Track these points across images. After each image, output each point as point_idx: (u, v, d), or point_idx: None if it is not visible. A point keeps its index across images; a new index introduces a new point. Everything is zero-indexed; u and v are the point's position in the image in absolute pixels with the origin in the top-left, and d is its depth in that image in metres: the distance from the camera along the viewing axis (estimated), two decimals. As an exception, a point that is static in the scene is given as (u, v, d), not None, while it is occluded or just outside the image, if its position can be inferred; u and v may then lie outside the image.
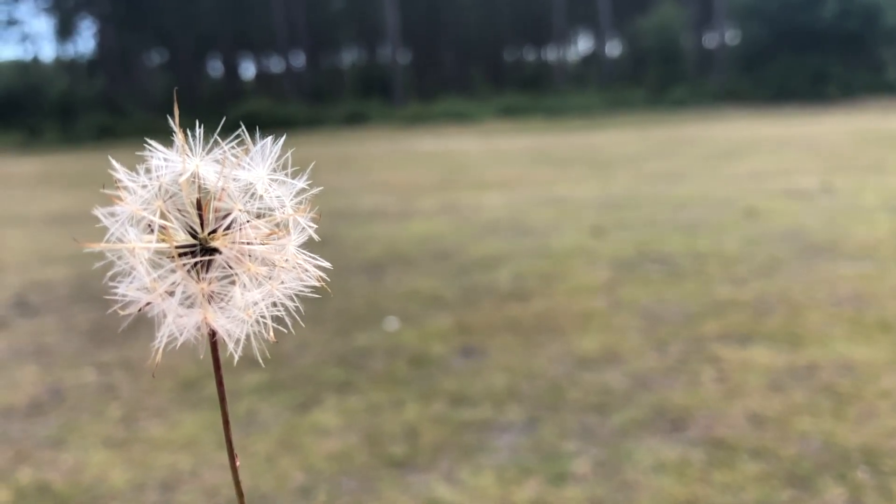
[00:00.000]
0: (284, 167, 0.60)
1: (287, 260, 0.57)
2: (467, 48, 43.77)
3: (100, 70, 42.77)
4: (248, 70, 48.18)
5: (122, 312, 0.56)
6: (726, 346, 3.87)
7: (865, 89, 30.27)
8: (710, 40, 40.35)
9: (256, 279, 0.57)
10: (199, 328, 0.56)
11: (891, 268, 5.25)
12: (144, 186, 0.57)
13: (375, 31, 41.99)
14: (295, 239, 0.57)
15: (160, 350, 0.56)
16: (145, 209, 0.55)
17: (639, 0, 39.36)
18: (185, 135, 0.57)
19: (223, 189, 0.56)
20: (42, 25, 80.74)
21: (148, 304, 0.56)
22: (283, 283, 0.58)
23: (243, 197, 0.57)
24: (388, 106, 35.66)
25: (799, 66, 31.20)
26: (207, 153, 0.57)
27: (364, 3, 41.82)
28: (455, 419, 3.20)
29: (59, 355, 4.35)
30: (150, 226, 0.55)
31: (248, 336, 0.58)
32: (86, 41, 60.10)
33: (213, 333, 0.57)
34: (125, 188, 0.56)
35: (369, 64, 44.45)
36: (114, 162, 0.56)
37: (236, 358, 0.57)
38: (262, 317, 0.58)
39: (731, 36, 38.19)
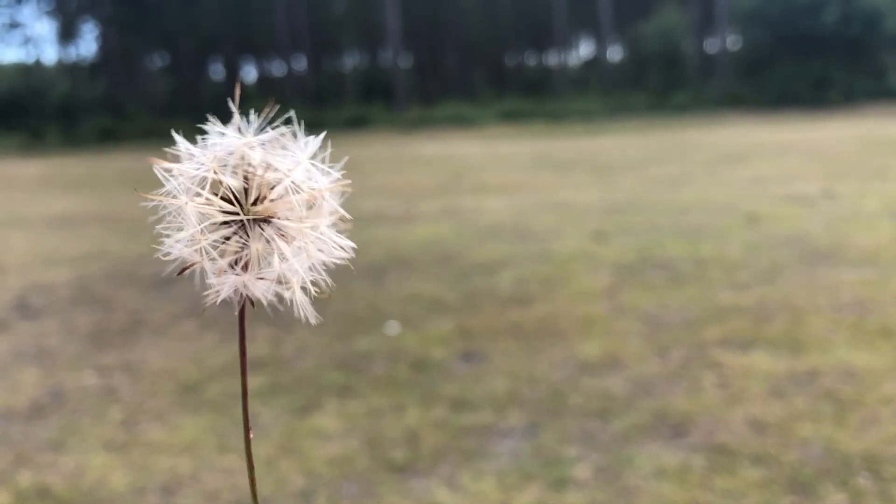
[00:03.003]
0: (323, 162, 0.65)
1: (322, 233, 0.62)
2: (469, 52, 43.80)
3: (102, 73, 42.83)
4: (250, 73, 48.24)
5: (164, 258, 0.60)
6: (728, 352, 3.86)
7: (867, 95, 30.25)
8: (712, 45, 40.36)
9: (291, 248, 0.61)
10: (236, 290, 0.60)
11: (892, 274, 5.24)
12: (197, 156, 0.61)
13: (377, 35, 42.03)
14: (328, 215, 0.63)
15: (216, 299, 0.60)
16: (198, 169, 0.59)
17: (640, 5, 39.41)
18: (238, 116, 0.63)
19: (269, 165, 0.61)
20: (44, 28, 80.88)
21: (193, 264, 0.60)
22: (320, 250, 0.63)
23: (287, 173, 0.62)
24: (389, 110, 35.68)
25: (801, 71, 31.19)
26: (257, 134, 0.62)
27: (366, 6, 41.87)
28: (456, 424, 3.19)
29: (60, 358, 4.35)
30: (200, 190, 0.59)
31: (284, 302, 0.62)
32: (88, 44, 60.28)
33: (242, 301, 0.61)
34: (182, 155, 0.61)
35: (371, 68, 44.49)
36: (175, 134, 0.61)
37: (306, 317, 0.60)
38: (301, 284, 0.62)
39: (732, 41, 38.19)
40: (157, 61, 45.64)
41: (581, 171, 13.22)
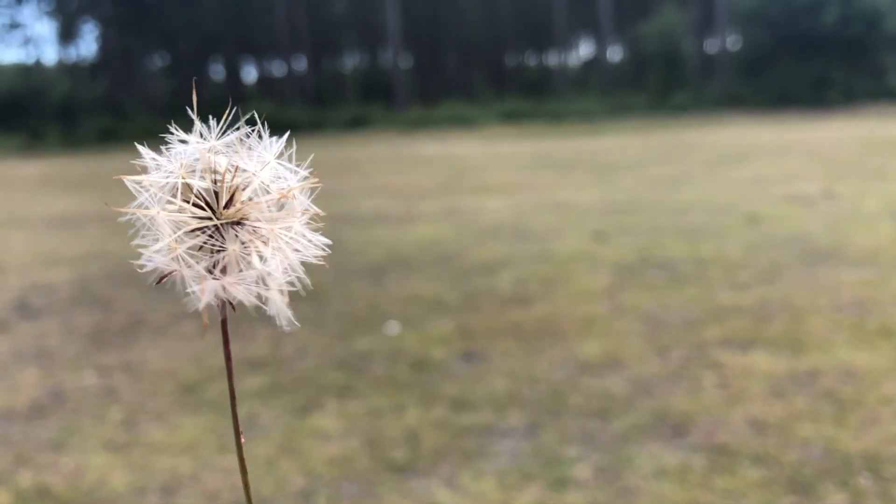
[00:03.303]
0: (289, 160, 0.65)
1: (296, 232, 0.62)
2: (469, 52, 43.80)
3: (102, 73, 42.84)
4: (250, 74, 48.24)
5: (140, 270, 0.61)
6: (728, 352, 3.86)
7: (867, 95, 30.25)
8: (712, 46, 40.36)
9: (266, 249, 0.62)
10: (216, 294, 0.60)
11: (893, 274, 5.24)
12: (164, 165, 0.62)
13: (377, 35, 42.03)
14: (300, 214, 0.62)
15: (203, 310, 0.61)
16: (167, 178, 0.60)
17: (640, 5, 39.41)
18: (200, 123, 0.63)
19: (236, 167, 0.61)
20: (44, 29, 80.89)
21: (171, 272, 0.60)
22: (296, 250, 0.62)
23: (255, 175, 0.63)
24: (389, 110, 35.69)
25: (800, 71, 31.18)
26: (220, 138, 0.62)
27: (366, 6, 41.87)
28: (456, 424, 3.19)
29: (60, 358, 4.35)
30: (171, 198, 0.60)
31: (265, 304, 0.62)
32: (88, 44, 60.29)
33: (222, 305, 0.61)
34: (149, 165, 0.61)
35: (371, 68, 44.50)
36: (140, 147, 0.62)
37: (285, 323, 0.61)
38: (279, 287, 0.63)
39: (732, 41, 38.19)
40: (158, 61, 45.65)
41: (581, 171, 13.22)
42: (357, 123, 32.62)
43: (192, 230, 0.60)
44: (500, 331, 4.42)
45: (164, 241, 0.60)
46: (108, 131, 32.40)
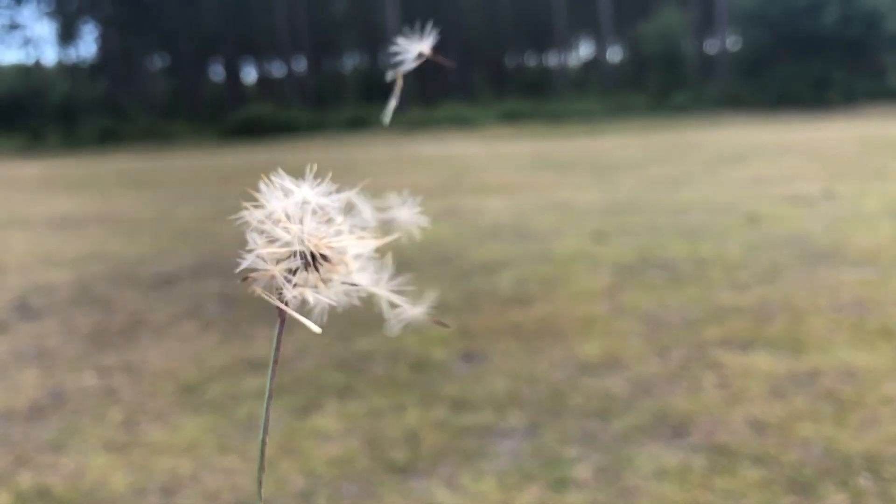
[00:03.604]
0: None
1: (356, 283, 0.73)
2: (469, 53, 43.81)
3: (102, 74, 42.85)
4: (249, 74, 48.26)
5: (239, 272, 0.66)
6: (728, 352, 3.86)
7: (867, 95, 30.28)
8: (712, 46, 40.38)
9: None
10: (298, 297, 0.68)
11: (893, 274, 5.25)
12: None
13: (377, 36, 42.05)
14: (363, 265, 0.73)
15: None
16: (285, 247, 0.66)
17: (640, 5, 39.42)
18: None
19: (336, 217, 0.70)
20: (44, 29, 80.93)
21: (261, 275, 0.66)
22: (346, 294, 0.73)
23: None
24: (389, 110, 35.63)
25: (800, 72, 31.21)
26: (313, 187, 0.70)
27: (366, 7, 41.90)
28: (456, 424, 3.19)
29: (60, 358, 4.35)
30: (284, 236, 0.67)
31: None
32: (88, 45, 60.30)
33: (281, 316, 0.67)
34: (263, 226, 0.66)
35: (371, 68, 44.53)
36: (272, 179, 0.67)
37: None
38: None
39: (732, 42, 38.22)
40: (157, 62, 45.67)
41: (581, 171, 13.23)
42: (357, 124, 32.64)
43: (286, 251, 0.66)
44: (500, 331, 4.42)
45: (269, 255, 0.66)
46: (108, 132, 32.43)
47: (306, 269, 0.67)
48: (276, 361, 0.66)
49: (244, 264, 0.64)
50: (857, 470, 2.64)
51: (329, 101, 38.86)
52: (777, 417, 3.09)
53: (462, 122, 30.97)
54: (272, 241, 0.65)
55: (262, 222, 0.64)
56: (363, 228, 0.73)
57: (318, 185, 0.70)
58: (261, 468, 0.65)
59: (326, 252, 0.68)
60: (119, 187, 14.33)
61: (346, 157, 18.87)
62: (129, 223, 9.34)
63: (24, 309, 5.50)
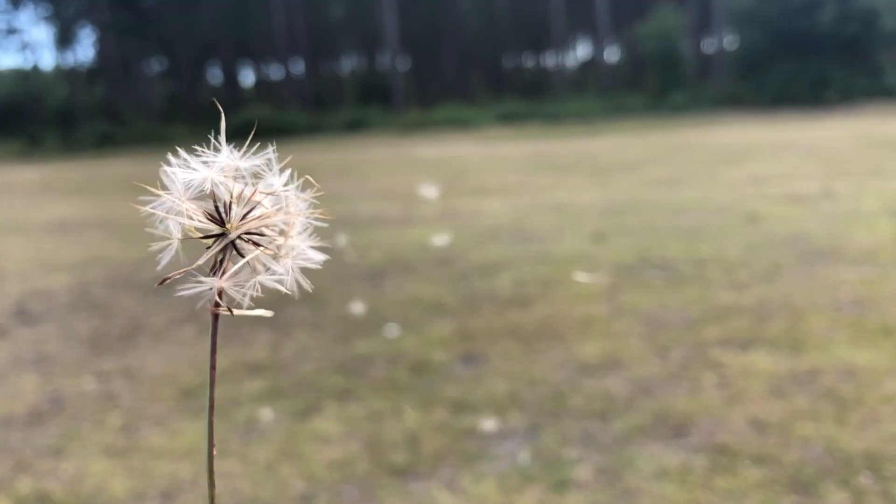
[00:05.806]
0: (293, 177, 0.67)
1: (293, 248, 0.65)
2: (467, 55, 43.83)
3: (100, 78, 42.84)
4: (247, 77, 48.25)
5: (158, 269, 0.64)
6: (728, 352, 3.86)
7: (864, 94, 30.31)
8: (709, 46, 40.40)
9: (266, 262, 0.65)
10: (215, 295, 0.63)
11: (892, 272, 5.24)
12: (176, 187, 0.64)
13: (375, 38, 42.06)
14: (300, 232, 0.66)
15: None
16: (180, 203, 0.63)
17: (637, 6, 39.45)
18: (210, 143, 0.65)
19: (243, 188, 0.64)
20: (42, 34, 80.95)
21: (178, 273, 0.63)
22: (293, 258, 0.65)
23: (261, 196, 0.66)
24: (387, 112, 35.72)
25: (798, 71, 31.24)
26: (244, 159, 0.65)
27: (364, 10, 41.90)
28: (456, 426, 3.19)
29: (59, 364, 4.34)
30: (191, 214, 0.63)
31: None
32: (86, 49, 60.24)
33: (216, 311, 0.62)
34: (165, 186, 0.64)
35: (369, 71, 44.53)
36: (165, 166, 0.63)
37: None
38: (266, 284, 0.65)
39: (729, 41, 38.25)
40: (155, 66, 45.65)
41: (579, 172, 13.23)
42: (355, 126, 32.65)
43: (203, 237, 0.63)
44: (499, 333, 4.42)
45: (174, 241, 0.63)
46: (105, 136, 32.43)
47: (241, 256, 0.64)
48: (213, 367, 0.65)
49: (163, 262, 0.62)
50: (858, 469, 2.64)
51: (327, 104, 38.85)
52: (777, 417, 3.09)
53: (460, 124, 30.98)
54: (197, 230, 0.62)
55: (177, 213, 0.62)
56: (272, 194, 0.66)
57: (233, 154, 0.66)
58: (211, 484, 0.64)
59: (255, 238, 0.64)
60: (117, 192, 14.31)
61: (343, 160, 18.87)
62: (127, 228, 9.32)
63: (23, 314, 5.49)
